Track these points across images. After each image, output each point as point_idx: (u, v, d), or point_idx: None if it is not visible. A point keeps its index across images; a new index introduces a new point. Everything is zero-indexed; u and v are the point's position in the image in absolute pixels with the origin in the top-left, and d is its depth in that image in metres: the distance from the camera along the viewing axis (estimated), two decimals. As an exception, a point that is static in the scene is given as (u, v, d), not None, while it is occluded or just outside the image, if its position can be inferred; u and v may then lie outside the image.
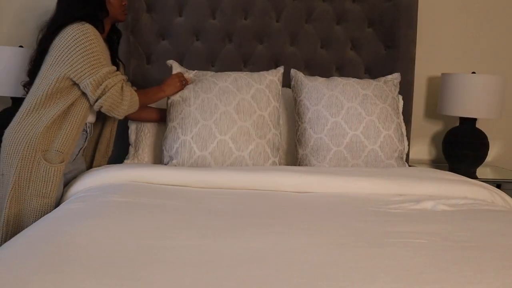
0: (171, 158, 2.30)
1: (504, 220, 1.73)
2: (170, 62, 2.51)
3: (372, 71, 2.94)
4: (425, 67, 3.17)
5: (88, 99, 2.10)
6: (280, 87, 2.49)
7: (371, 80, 2.60)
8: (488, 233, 1.56)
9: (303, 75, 2.58)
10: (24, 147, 2.03)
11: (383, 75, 2.70)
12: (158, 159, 2.47)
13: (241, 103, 2.35)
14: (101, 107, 2.09)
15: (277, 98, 2.44)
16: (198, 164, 2.27)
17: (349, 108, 2.44)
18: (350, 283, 1.13)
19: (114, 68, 2.12)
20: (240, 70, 2.81)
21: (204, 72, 2.50)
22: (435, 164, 3.25)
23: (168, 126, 2.35)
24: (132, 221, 1.52)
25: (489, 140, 3.00)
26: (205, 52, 2.85)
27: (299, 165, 2.47)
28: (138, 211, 1.63)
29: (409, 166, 2.70)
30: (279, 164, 2.45)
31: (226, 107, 2.33)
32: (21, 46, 2.74)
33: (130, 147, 2.53)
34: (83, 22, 2.06)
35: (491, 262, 1.29)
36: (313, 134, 2.43)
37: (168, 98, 2.39)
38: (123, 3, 2.26)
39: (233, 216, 1.63)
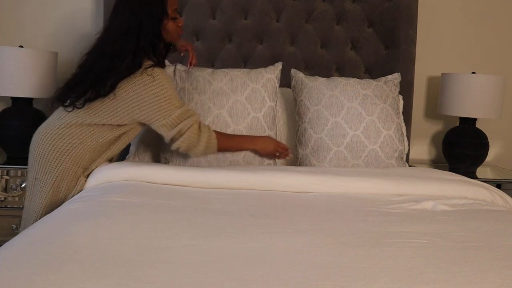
0: (167, 160, 2.31)
1: (504, 220, 1.73)
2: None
3: (372, 71, 2.94)
4: (425, 67, 3.18)
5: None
6: (277, 85, 2.48)
7: (371, 80, 2.60)
8: (488, 233, 1.55)
9: (303, 75, 2.58)
10: (68, 160, 2.01)
11: (383, 75, 2.70)
12: (159, 157, 2.47)
13: (235, 106, 2.34)
14: (179, 148, 2.08)
15: (273, 97, 2.43)
16: (194, 166, 2.26)
17: (349, 108, 2.44)
18: (350, 283, 1.13)
19: (186, 106, 2.08)
20: (240, 70, 2.81)
21: (202, 69, 2.49)
22: (435, 164, 3.25)
23: None
24: (132, 221, 1.52)
25: (489, 140, 3.01)
26: (205, 52, 2.85)
27: (299, 165, 2.47)
28: (138, 211, 1.63)
29: (409, 166, 2.70)
30: (276, 165, 2.45)
31: (219, 110, 2.32)
32: (21, 46, 2.74)
33: (131, 145, 2.52)
34: (151, 68, 2.00)
35: (491, 262, 1.29)
36: (314, 134, 2.43)
37: None
38: (180, 24, 2.17)
39: (233, 216, 1.63)
